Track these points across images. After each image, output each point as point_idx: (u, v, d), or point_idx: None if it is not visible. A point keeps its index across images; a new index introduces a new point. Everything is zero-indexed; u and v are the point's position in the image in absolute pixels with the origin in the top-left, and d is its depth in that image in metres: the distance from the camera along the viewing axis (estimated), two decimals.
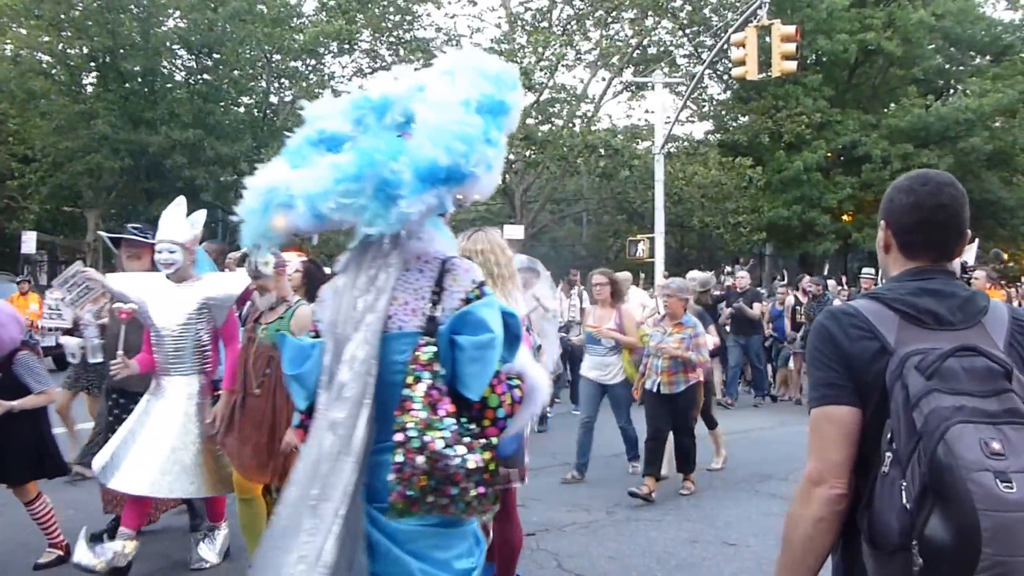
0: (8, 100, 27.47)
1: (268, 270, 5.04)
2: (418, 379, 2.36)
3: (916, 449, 1.76)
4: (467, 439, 2.33)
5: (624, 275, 11.97)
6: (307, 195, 2.44)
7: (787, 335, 13.76)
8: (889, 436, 1.87)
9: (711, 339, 8.40)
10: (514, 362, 2.55)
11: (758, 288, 15.70)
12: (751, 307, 13.17)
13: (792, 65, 17.77)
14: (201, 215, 5.61)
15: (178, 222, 5.47)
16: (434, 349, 2.41)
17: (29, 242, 21.18)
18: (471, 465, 2.29)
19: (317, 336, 2.66)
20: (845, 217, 28.01)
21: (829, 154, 27.60)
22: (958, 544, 1.67)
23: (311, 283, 5.83)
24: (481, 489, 2.32)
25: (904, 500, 1.77)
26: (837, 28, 26.76)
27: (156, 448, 5.03)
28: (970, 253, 14.25)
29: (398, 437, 2.29)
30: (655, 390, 7.48)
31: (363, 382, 2.40)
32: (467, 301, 2.49)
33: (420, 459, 2.25)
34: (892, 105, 29.21)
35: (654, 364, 7.54)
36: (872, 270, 12.99)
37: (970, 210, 2.13)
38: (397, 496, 2.26)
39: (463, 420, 2.38)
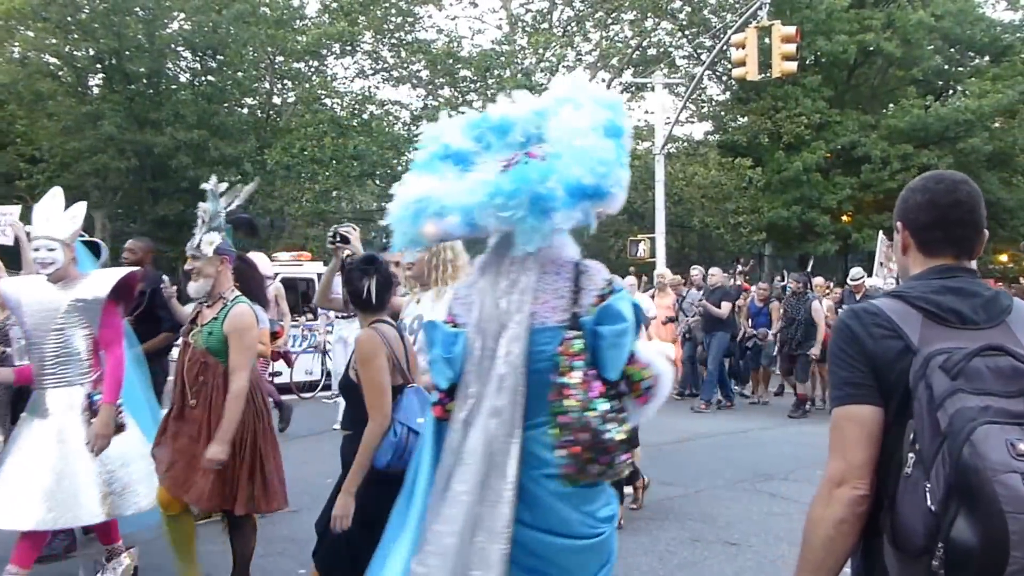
0: (16, 102, 27.73)
1: (208, 250, 4.57)
2: (572, 367, 2.76)
3: (940, 450, 1.74)
4: (612, 415, 2.77)
5: (628, 280, 12.08)
6: (462, 207, 2.85)
7: (758, 331, 13.68)
8: (912, 436, 1.85)
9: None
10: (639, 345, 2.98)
11: (736, 286, 15.48)
12: (719, 306, 12.88)
13: (792, 66, 17.90)
14: (80, 207, 5.04)
15: (56, 216, 4.86)
16: (582, 340, 2.79)
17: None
18: (619, 437, 2.75)
19: (454, 326, 3.04)
20: (844, 217, 28.15)
21: (828, 155, 27.72)
22: (985, 547, 1.65)
23: (243, 282, 5.43)
24: (625, 456, 2.80)
25: (929, 502, 1.75)
26: (836, 29, 26.89)
27: (37, 474, 4.46)
28: None
29: (563, 420, 2.74)
30: None
31: (518, 373, 2.79)
32: (601, 297, 2.86)
33: (584, 436, 2.71)
34: (891, 106, 29.30)
35: None
36: (860, 270, 13.06)
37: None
38: (568, 469, 2.74)
39: (609, 398, 2.80)
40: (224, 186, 5.01)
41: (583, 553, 2.86)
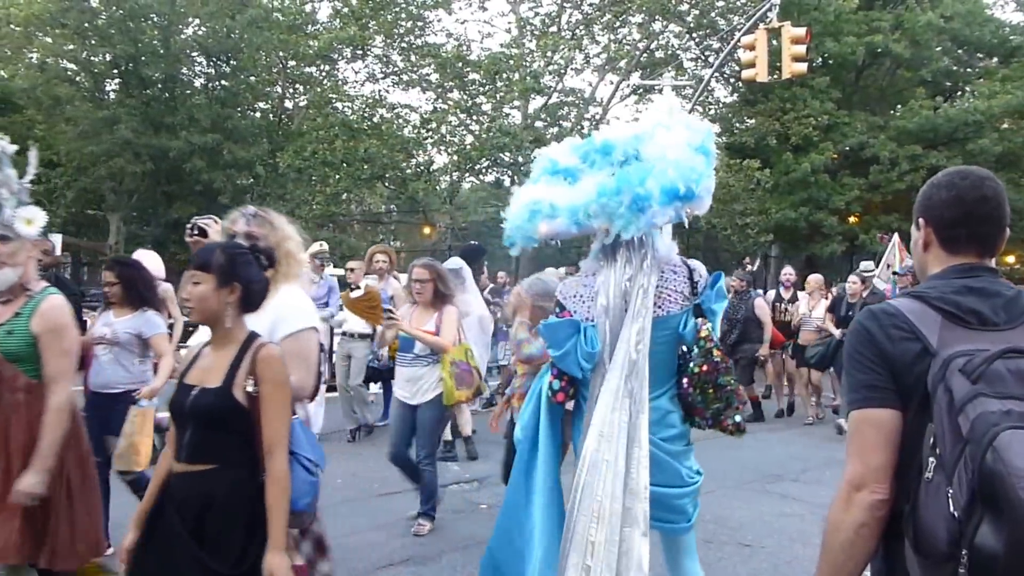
0: (34, 107, 28.13)
1: (27, 230, 3.88)
2: (717, 347, 3.55)
3: (962, 455, 1.70)
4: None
5: None
6: (571, 207, 3.45)
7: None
8: (932, 441, 1.81)
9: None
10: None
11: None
12: None
13: (802, 67, 17.93)
14: None
15: None
16: (709, 325, 3.54)
17: (55, 245, 21.54)
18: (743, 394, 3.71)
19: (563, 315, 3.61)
20: (852, 218, 28.20)
21: (836, 156, 27.79)
22: (1010, 554, 1.61)
23: (130, 287, 5.41)
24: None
25: (951, 508, 1.71)
26: (845, 30, 26.95)
27: None
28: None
29: (724, 392, 3.57)
30: (511, 417, 5.73)
31: (646, 358, 3.34)
32: (706, 287, 3.60)
33: (744, 395, 3.65)
34: (900, 107, 29.35)
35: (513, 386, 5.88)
36: (871, 263, 12.43)
37: None
38: (734, 426, 3.67)
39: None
40: (13, 148, 4.16)
41: (688, 497, 3.60)
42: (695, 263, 3.66)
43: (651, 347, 3.38)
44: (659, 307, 3.47)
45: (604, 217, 3.40)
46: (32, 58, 29.18)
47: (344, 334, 9.59)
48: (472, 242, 28.41)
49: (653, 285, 3.44)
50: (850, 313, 10.22)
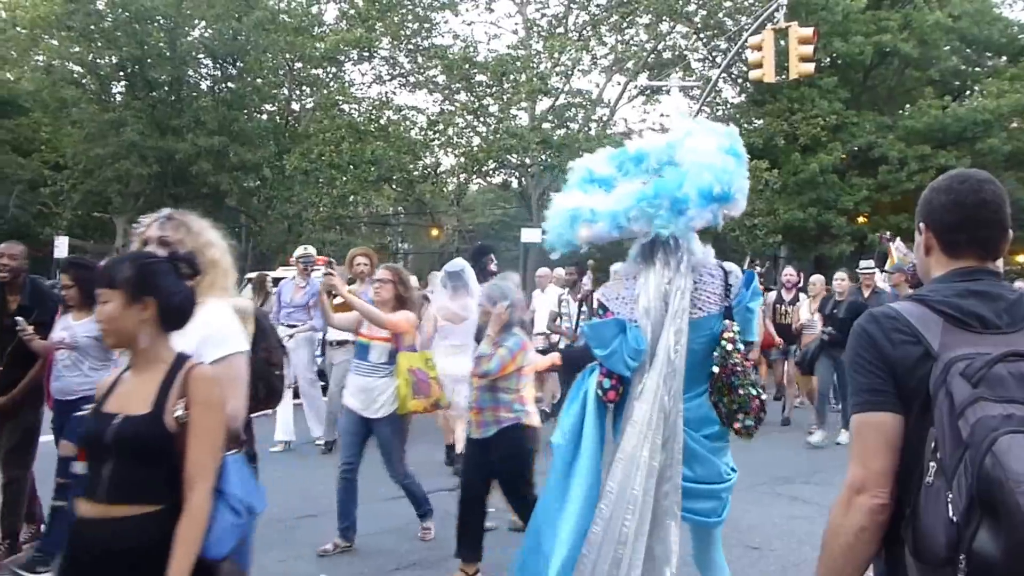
0: (41, 109, 28.26)
1: None
2: (738, 349, 3.62)
3: (962, 459, 1.69)
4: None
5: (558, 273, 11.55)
6: (611, 212, 3.59)
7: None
8: (933, 445, 1.80)
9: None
10: None
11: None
12: None
13: (810, 67, 17.90)
14: None
15: None
16: (737, 327, 3.64)
17: (61, 247, 21.69)
18: (763, 398, 3.69)
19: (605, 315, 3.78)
20: (861, 219, 28.10)
21: (845, 156, 27.68)
22: (1008, 560, 1.60)
23: (89, 290, 4.92)
24: (763, 416, 3.69)
25: (951, 513, 1.70)
26: (853, 30, 26.86)
27: None
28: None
29: (743, 392, 3.60)
30: (469, 433, 5.47)
31: (683, 359, 3.49)
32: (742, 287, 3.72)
33: (758, 403, 3.62)
34: (908, 107, 29.21)
35: (468, 400, 5.54)
36: (871, 261, 11.49)
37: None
38: (754, 428, 3.66)
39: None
40: None
41: (724, 493, 3.73)
42: (731, 266, 3.81)
43: (689, 347, 3.55)
44: (698, 308, 3.63)
45: (644, 221, 3.55)
46: (38, 60, 29.33)
47: (330, 343, 9.44)
48: (478, 242, 28.39)
49: (690, 287, 3.59)
50: (835, 311, 9.93)
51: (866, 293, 10.42)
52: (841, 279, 10.37)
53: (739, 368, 3.58)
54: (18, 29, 28.22)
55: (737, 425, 3.62)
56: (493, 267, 8.82)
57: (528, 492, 5.31)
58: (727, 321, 3.63)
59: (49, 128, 28.64)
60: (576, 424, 3.75)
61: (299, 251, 10.26)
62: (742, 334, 3.67)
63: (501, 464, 5.24)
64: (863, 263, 11.18)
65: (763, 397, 3.67)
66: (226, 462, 2.64)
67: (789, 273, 12.25)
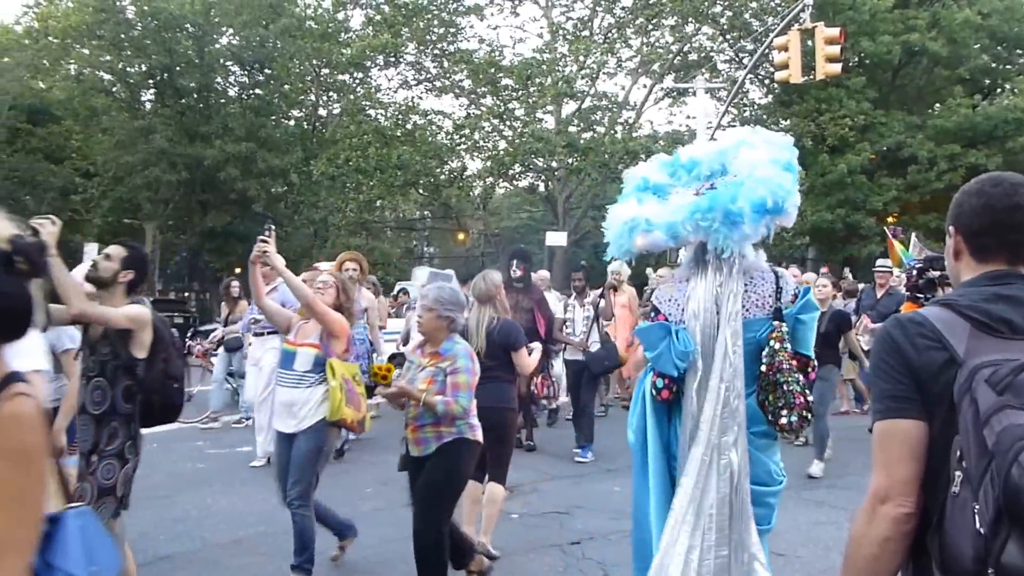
0: (72, 117, 28.68)
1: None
2: (784, 349, 3.64)
3: (988, 469, 1.63)
4: (806, 383, 3.69)
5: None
6: (667, 223, 3.66)
7: None
8: (959, 454, 1.74)
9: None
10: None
11: None
12: None
13: (837, 67, 17.74)
14: None
15: None
16: (786, 328, 3.68)
17: (91, 254, 21.74)
18: (809, 399, 3.66)
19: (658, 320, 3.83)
20: (890, 219, 27.87)
21: (873, 156, 27.48)
22: None
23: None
24: (808, 415, 3.67)
25: (977, 524, 1.65)
26: (880, 30, 26.67)
27: None
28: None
29: (785, 388, 3.61)
30: (406, 451, 4.94)
31: (742, 359, 3.58)
32: (795, 295, 3.74)
33: (802, 400, 3.62)
34: (938, 106, 28.97)
35: (406, 415, 4.94)
36: (888, 262, 11.23)
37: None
38: (794, 426, 3.64)
39: (801, 372, 3.69)
40: None
41: (772, 499, 3.79)
42: (784, 272, 3.89)
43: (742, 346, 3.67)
44: (746, 311, 3.69)
45: (700, 233, 3.62)
46: (69, 69, 29.79)
47: None
48: (515, 246, 28.32)
49: (741, 290, 3.66)
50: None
51: (879, 293, 10.21)
52: (823, 285, 9.32)
53: (784, 366, 3.64)
54: (50, 38, 28.66)
55: (783, 421, 3.66)
56: (515, 272, 8.57)
57: (442, 520, 4.75)
58: (776, 322, 3.70)
59: (80, 136, 29.07)
60: (641, 423, 3.89)
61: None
62: (795, 343, 3.74)
63: (427, 476, 4.71)
64: (879, 262, 11.02)
65: (809, 397, 3.70)
66: (61, 523, 1.95)
67: (821, 284, 11.69)
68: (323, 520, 5.44)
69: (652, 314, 3.94)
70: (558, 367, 10.34)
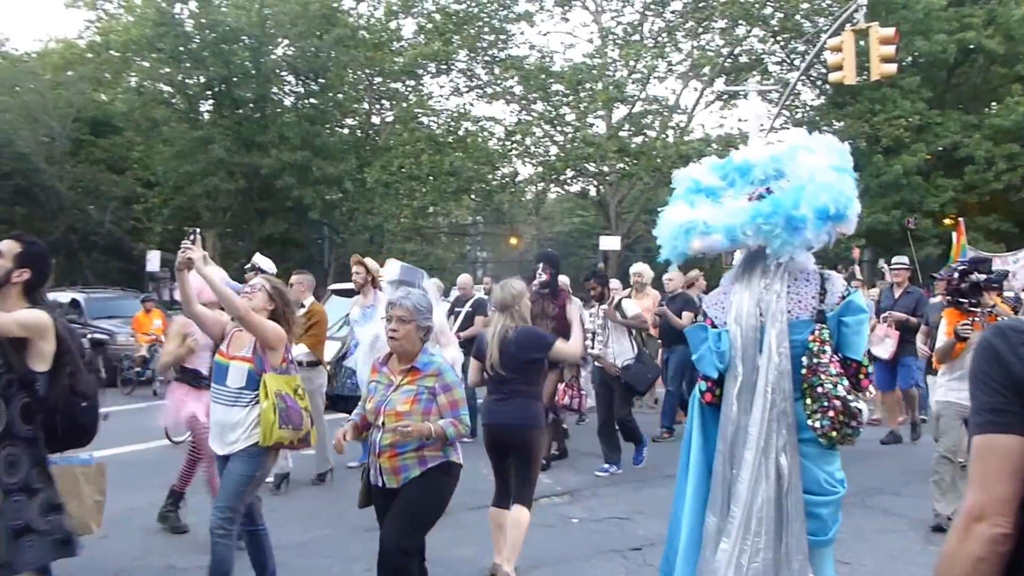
0: (133, 128, 29.43)
1: None
2: (824, 351, 3.61)
3: None
4: (851, 388, 3.63)
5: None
6: (726, 227, 3.68)
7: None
8: None
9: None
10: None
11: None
12: (680, 315, 10.22)
13: (892, 68, 17.52)
14: None
15: None
16: (828, 330, 3.65)
17: (153, 261, 22.29)
18: (859, 406, 3.62)
19: (712, 326, 3.86)
20: (948, 220, 27.42)
21: (929, 157, 27.06)
22: None
23: None
24: (856, 423, 3.62)
25: None
26: (935, 28, 26.24)
27: None
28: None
29: (820, 391, 3.58)
30: (378, 483, 4.32)
31: (788, 360, 3.60)
32: (843, 297, 3.72)
33: (837, 403, 3.57)
34: (995, 104, 28.41)
35: (374, 441, 4.32)
36: (904, 259, 10.54)
37: None
38: (828, 430, 3.58)
39: (848, 377, 3.64)
40: None
41: (826, 507, 3.70)
42: (832, 274, 3.86)
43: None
44: (789, 312, 3.69)
45: (760, 237, 3.64)
46: (130, 82, 30.56)
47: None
48: (547, 249, 28.21)
49: (785, 291, 3.67)
50: None
51: (897, 293, 9.90)
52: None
53: (823, 369, 3.59)
54: (111, 52, 29.44)
55: (815, 425, 3.60)
56: (541, 277, 8.11)
57: (416, 547, 4.39)
58: (817, 324, 3.66)
59: (141, 146, 29.79)
60: (690, 426, 3.96)
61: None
62: (841, 347, 3.69)
63: (409, 495, 4.21)
64: (895, 259, 10.46)
65: (853, 404, 3.57)
66: None
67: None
68: (255, 556, 4.96)
69: (702, 318, 4.00)
70: (585, 375, 9.88)
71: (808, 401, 3.62)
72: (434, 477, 4.26)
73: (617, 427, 8.76)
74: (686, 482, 3.87)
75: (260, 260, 8.36)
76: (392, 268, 7.16)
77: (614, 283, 11.14)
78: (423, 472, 4.22)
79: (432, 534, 4.49)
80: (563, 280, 11.65)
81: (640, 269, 10.96)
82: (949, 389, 6.54)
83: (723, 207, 3.78)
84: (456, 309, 10.78)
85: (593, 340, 8.77)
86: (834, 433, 3.60)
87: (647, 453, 8.87)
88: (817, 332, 3.64)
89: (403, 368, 4.33)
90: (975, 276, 6.42)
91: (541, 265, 8.36)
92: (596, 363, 8.91)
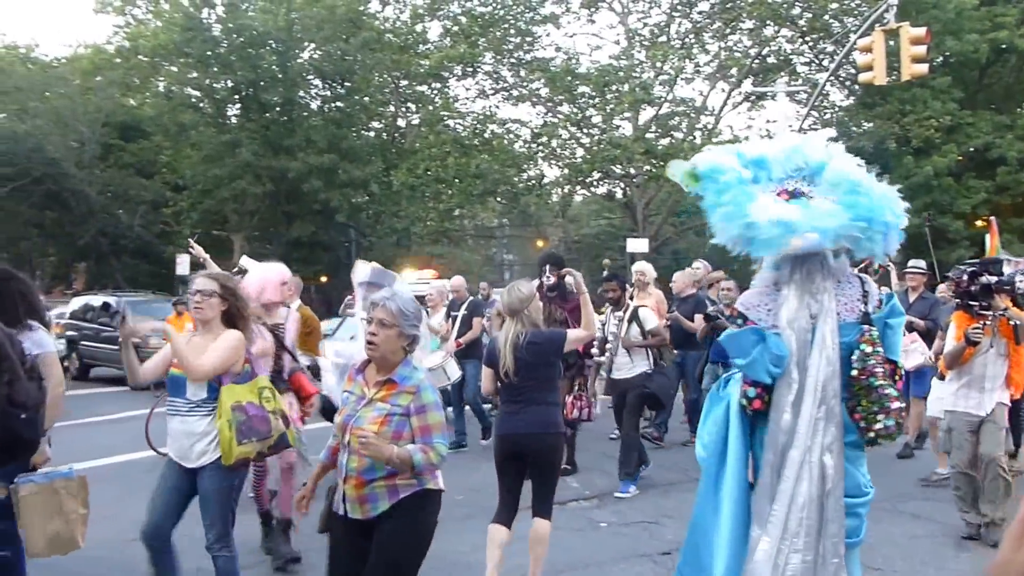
0: (162, 133, 29.68)
1: None
2: (877, 352, 3.63)
3: None
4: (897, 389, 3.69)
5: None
6: (825, 228, 3.59)
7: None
8: None
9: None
10: None
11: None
12: (691, 318, 9.84)
13: (923, 68, 17.33)
14: None
15: None
16: (876, 331, 3.68)
17: (183, 265, 22.44)
18: (902, 405, 3.66)
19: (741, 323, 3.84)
20: (979, 222, 27.08)
21: (960, 158, 26.76)
22: None
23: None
24: (902, 423, 3.68)
25: None
26: (966, 28, 25.96)
27: None
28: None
29: (880, 393, 3.60)
30: (339, 510, 3.69)
31: (838, 355, 3.61)
32: (880, 300, 3.76)
33: (899, 404, 3.62)
34: None
35: (341, 463, 3.68)
36: (921, 263, 9.94)
37: None
38: (894, 430, 3.64)
39: (892, 377, 3.69)
40: None
41: (862, 509, 3.76)
42: (868, 277, 3.89)
43: None
44: (838, 314, 3.68)
45: (850, 241, 3.63)
46: (159, 87, 30.85)
47: None
48: (551, 250, 28.03)
49: (833, 294, 3.68)
50: None
51: (911, 297, 9.43)
52: (729, 288, 8.72)
53: (878, 370, 3.59)
54: (140, 57, 29.76)
55: (878, 427, 3.60)
56: (547, 279, 7.78)
57: None
58: (865, 326, 3.66)
59: (170, 151, 30.05)
60: (717, 437, 3.82)
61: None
62: (885, 350, 3.69)
63: (387, 543, 3.56)
64: (911, 263, 9.86)
65: (902, 404, 3.66)
66: None
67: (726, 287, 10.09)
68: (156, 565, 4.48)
69: (739, 321, 3.85)
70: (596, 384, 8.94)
71: (865, 403, 3.60)
72: (408, 512, 3.57)
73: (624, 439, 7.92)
74: (715, 493, 3.76)
75: (247, 262, 8.02)
76: (362, 270, 6.65)
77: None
78: (395, 505, 3.56)
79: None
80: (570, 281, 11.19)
81: (643, 267, 10.24)
82: (958, 397, 6.23)
83: (815, 208, 3.68)
84: (452, 313, 10.38)
85: (603, 348, 8.10)
86: (896, 433, 3.68)
87: (633, 490, 7.77)
88: (867, 334, 3.64)
89: (379, 380, 3.66)
90: (985, 278, 6.02)
91: (548, 267, 7.99)
92: (604, 373, 8.13)
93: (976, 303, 6.03)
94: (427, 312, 8.97)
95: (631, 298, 8.60)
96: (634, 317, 8.00)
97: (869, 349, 3.61)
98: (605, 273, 10.53)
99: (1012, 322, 6.04)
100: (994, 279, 6.04)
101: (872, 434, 3.64)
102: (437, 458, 3.55)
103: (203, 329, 4.51)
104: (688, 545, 3.92)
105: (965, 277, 6.11)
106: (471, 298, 10.84)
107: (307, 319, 7.52)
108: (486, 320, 10.35)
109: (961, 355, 6.09)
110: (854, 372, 3.61)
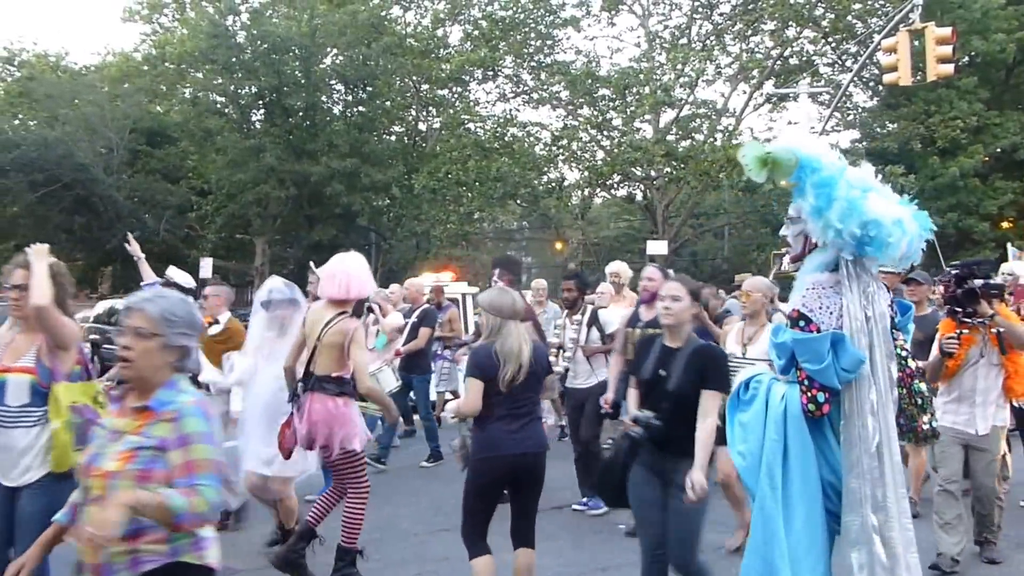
0: (188, 138, 29.97)
1: None
2: (910, 356, 3.79)
3: None
4: None
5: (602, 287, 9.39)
6: (919, 235, 3.71)
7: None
8: None
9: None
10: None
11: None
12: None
13: (949, 68, 17.15)
14: None
15: None
16: (904, 337, 3.82)
17: (206, 268, 22.59)
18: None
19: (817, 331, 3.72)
20: (1006, 224, 26.82)
21: (986, 158, 26.51)
22: None
23: None
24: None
25: None
26: (993, 27, 25.75)
27: None
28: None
29: (927, 393, 3.84)
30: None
31: (894, 361, 3.69)
32: (891, 303, 3.84)
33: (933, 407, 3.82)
34: None
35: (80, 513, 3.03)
36: (924, 276, 8.87)
37: None
38: (930, 429, 3.79)
39: None
40: None
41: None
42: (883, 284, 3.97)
43: None
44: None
45: (914, 248, 3.72)
46: (185, 93, 31.15)
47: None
48: (509, 253, 27.68)
49: (880, 295, 3.72)
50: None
51: (917, 312, 8.77)
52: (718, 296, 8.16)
53: (917, 372, 3.74)
54: (166, 64, 30.10)
55: (924, 426, 3.70)
56: (496, 285, 6.44)
57: None
58: (895, 331, 3.73)
59: (195, 156, 30.32)
60: (757, 444, 3.74)
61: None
62: None
63: None
64: (912, 275, 9.22)
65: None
66: None
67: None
68: None
69: (802, 324, 3.64)
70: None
71: (906, 404, 3.75)
72: None
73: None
74: (780, 506, 3.65)
75: (175, 273, 7.60)
76: (266, 286, 6.10)
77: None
78: None
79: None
80: (540, 284, 10.75)
81: (618, 268, 9.15)
82: (945, 412, 5.68)
83: (899, 211, 3.71)
84: (405, 319, 9.56)
85: (559, 354, 7.53)
86: (929, 435, 3.84)
87: (604, 508, 7.11)
88: (900, 339, 3.75)
89: (135, 406, 2.76)
90: (973, 282, 5.50)
91: (497, 271, 7.35)
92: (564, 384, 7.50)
93: (961, 309, 5.55)
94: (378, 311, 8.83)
95: (580, 313, 7.56)
96: (594, 321, 7.33)
97: (904, 353, 3.72)
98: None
99: (994, 330, 5.53)
100: (980, 283, 5.52)
101: (920, 433, 3.79)
102: (204, 505, 2.59)
103: (23, 326, 4.00)
104: (752, 555, 3.78)
105: (952, 282, 5.61)
106: (425, 306, 10.08)
107: (232, 332, 6.81)
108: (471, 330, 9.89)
109: (940, 368, 5.65)
110: (898, 375, 3.70)
